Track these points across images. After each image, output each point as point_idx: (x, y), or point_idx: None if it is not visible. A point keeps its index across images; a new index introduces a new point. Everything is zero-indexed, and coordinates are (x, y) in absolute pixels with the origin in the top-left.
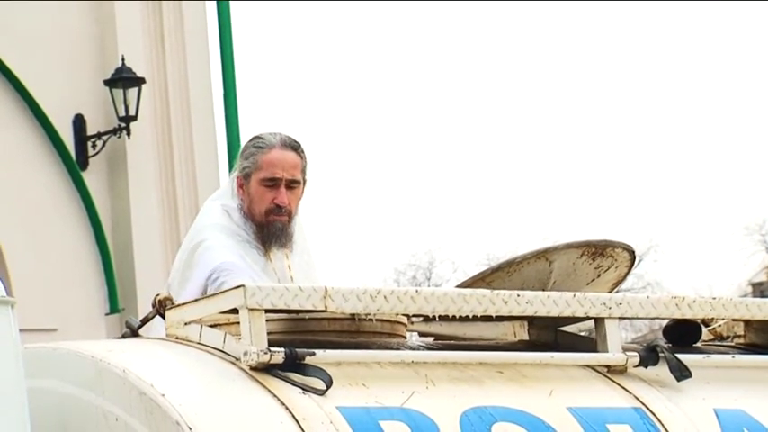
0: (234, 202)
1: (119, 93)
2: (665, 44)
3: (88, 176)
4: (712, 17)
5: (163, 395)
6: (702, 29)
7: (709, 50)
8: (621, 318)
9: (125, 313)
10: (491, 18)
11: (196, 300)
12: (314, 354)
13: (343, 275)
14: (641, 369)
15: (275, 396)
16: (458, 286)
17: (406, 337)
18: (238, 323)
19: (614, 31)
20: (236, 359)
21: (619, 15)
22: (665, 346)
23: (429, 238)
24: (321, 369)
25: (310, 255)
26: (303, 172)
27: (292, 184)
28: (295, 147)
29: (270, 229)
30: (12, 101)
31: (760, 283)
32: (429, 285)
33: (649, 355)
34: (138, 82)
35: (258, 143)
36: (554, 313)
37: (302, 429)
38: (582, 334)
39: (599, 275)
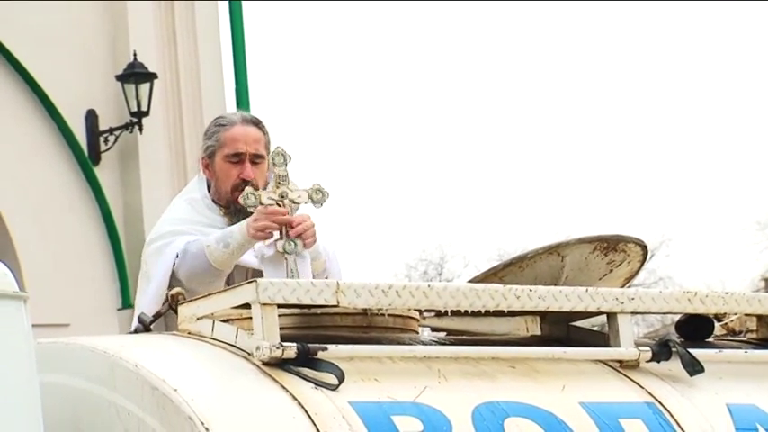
0: (200, 193)
1: (131, 88)
2: (679, 37)
3: (100, 172)
4: (716, 14)
5: (175, 390)
6: (710, 25)
7: (725, 43)
8: (634, 313)
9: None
10: (499, 14)
11: (209, 294)
12: (326, 349)
13: (354, 271)
14: (654, 364)
15: (287, 391)
16: (470, 281)
17: (418, 332)
18: (251, 318)
19: (624, 25)
20: (249, 354)
21: (623, 11)
22: (678, 341)
23: (440, 234)
24: (333, 364)
25: (327, 245)
26: (266, 147)
27: (256, 159)
28: (256, 122)
29: (237, 206)
30: (24, 96)
31: None
32: (440, 280)
33: (662, 350)
34: (150, 77)
35: (219, 121)
36: (566, 308)
37: (314, 424)
38: (594, 329)
39: (611, 270)
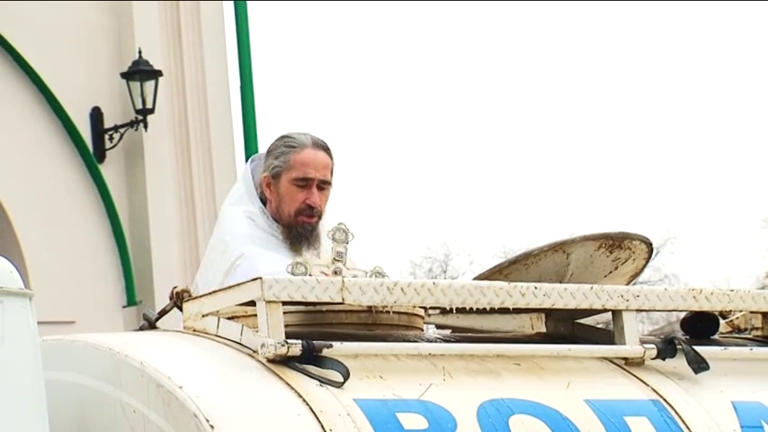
0: (255, 206)
1: (136, 86)
2: (682, 36)
3: (105, 169)
4: (717, 14)
5: (180, 387)
6: (711, 25)
7: (729, 41)
8: (639, 310)
9: (142, 306)
10: (505, 12)
11: (213, 292)
12: (331, 346)
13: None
14: (659, 361)
15: (292, 388)
16: (475, 278)
17: (423, 330)
18: (256, 315)
19: (625, 25)
20: (254, 351)
21: (627, 11)
22: (683, 338)
23: (445, 231)
24: (338, 361)
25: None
26: (332, 173)
27: (323, 185)
28: (326, 148)
29: (298, 229)
30: (29, 94)
31: None
32: (445, 278)
33: (667, 348)
34: (156, 75)
35: (289, 142)
36: (571, 306)
37: (319, 422)
38: (599, 326)
39: (616, 268)
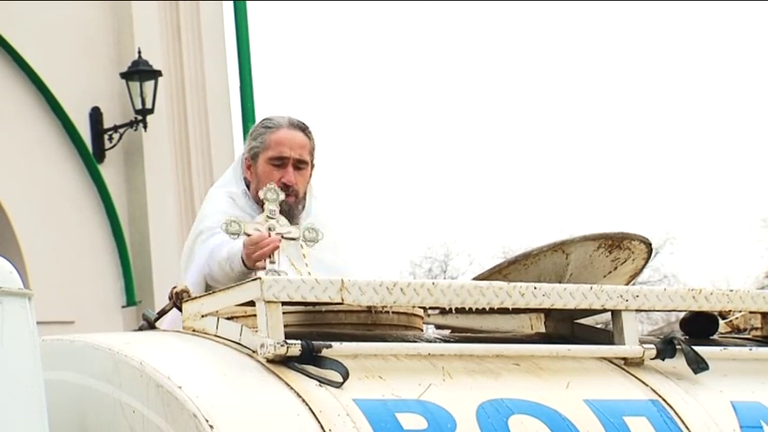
0: (238, 188)
1: (135, 86)
2: (682, 36)
3: (105, 169)
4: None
5: (180, 387)
6: (711, 25)
7: (729, 41)
8: (638, 310)
9: (142, 306)
10: (505, 12)
11: (213, 292)
12: (330, 346)
13: (359, 268)
14: (658, 361)
15: (292, 388)
16: (474, 279)
17: (422, 330)
18: (255, 316)
19: (626, 25)
20: (253, 352)
21: (629, 10)
22: (682, 338)
23: (445, 231)
24: (338, 361)
25: (333, 231)
26: (311, 153)
27: (300, 165)
28: (303, 127)
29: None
30: (29, 94)
31: None
32: (445, 278)
33: (666, 348)
34: (155, 75)
35: (267, 123)
36: (571, 306)
37: (319, 422)
38: (599, 326)
39: (616, 268)
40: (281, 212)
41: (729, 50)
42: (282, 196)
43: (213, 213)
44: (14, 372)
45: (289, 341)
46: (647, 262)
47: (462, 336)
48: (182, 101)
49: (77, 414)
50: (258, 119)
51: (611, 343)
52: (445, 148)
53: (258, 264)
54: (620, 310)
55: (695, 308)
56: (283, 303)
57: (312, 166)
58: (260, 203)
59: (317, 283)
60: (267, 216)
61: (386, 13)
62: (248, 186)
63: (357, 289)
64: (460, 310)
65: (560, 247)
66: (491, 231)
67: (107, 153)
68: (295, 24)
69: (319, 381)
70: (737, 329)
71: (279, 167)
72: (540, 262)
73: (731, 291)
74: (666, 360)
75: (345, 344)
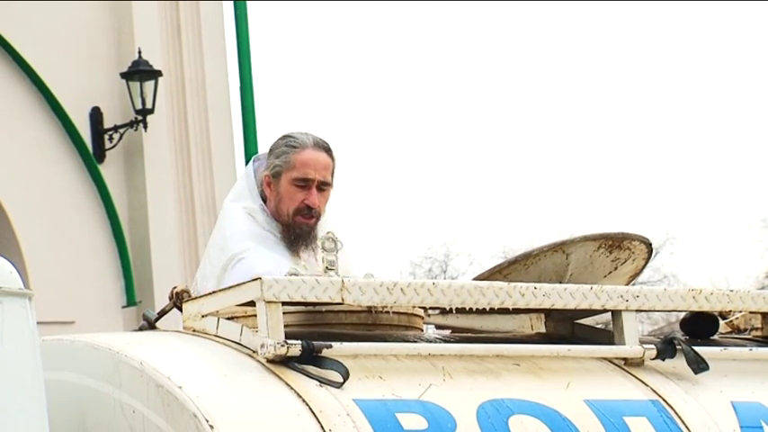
0: (255, 203)
1: (135, 86)
2: (682, 36)
3: (105, 169)
4: (718, 13)
5: (180, 387)
6: (711, 24)
7: (728, 41)
8: (638, 310)
9: (142, 306)
10: (505, 12)
11: (213, 292)
12: (331, 346)
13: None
14: (658, 362)
15: (292, 389)
16: (475, 279)
17: (422, 330)
18: (255, 316)
19: (626, 25)
20: (253, 352)
21: (629, 8)
22: (683, 338)
23: (445, 231)
24: (338, 362)
25: (345, 247)
26: (333, 174)
27: (323, 186)
28: (327, 148)
29: (296, 230)
30: (29, 94)
31: None
32: (445, 278)
33: (666, 348)
34: (155, 75)
35: (291, 142)
36: (571, 306)
37: (319, 422)
38: (599, 327)
39: (616, 268)
40: (303, 235)
41: (729, 50)
42: (341, 246)
43: (236, 234)
44: (14, 372)
45: (289, 341)
46: (647, 262)
47: (462, 336)
48: (182, 101)
49: (77, 414)
50: (258, 119)
51: (612, 343)
52: (445, 148)
53: None
54: (620, 311)
55: (695, 308)
56: (283, 303)
57: (332, 186)
58: (278, 220)
59: (317, 284)
60: (327, 268)
61: (386, 14)
62: (264, 200)
63: (357, 289)
64: (461, 311)
65: (560, 247)
66: (491, 231)
67: (107, 153)
68: (295, 24)
69: (319, 381)
70: (738, 330)
71: (302, 189)
72: (541, 262)
73: (731, 291)
74: (667, 360)
75: (345, 344)
